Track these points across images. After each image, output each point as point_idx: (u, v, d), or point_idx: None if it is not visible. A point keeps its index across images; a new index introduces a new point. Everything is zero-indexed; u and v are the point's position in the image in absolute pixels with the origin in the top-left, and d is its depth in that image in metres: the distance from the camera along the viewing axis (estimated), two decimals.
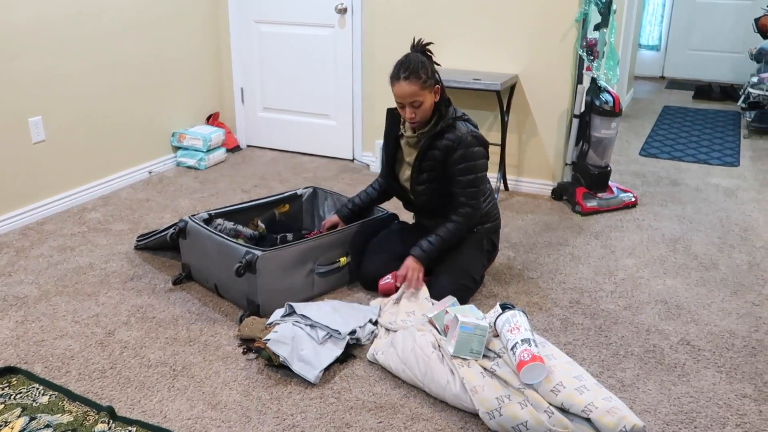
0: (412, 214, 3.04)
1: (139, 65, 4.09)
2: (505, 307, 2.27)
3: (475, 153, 2.64)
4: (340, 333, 2.38)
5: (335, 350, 2.35)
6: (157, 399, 2.17)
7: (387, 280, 2.77)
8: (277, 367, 2.31)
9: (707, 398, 2.20)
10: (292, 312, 2.47)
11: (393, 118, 2.83)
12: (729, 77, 7.20)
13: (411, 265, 2.68)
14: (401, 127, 2.80)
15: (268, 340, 2.30)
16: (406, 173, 2.82)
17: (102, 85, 3.86)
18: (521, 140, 4.00)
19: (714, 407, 2.16)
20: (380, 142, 4.36)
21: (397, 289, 2.73)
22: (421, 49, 2.65)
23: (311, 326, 2.40)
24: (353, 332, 2.42)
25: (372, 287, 2.84)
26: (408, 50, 2.68)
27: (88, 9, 3.69)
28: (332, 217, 3.04)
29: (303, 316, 2.44)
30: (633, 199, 3.83)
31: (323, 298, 2.79)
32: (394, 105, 2.82)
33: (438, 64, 2.70)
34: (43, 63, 3.49)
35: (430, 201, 2.77)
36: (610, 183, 3.85)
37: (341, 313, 2.51)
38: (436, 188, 2.73)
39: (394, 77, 2.59)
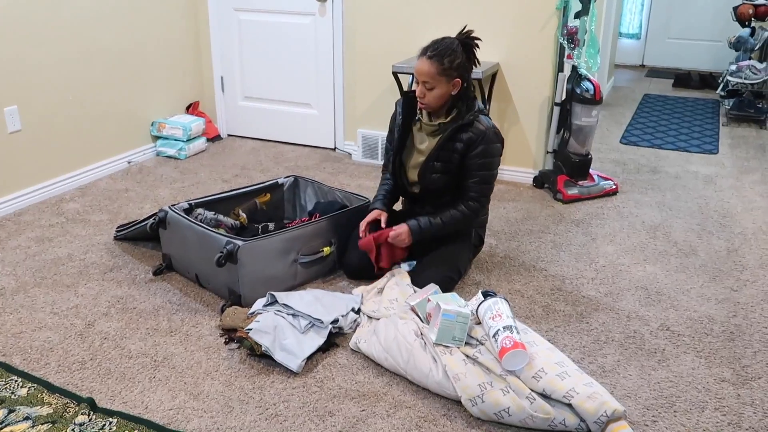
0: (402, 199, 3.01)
1: (117, 53, 4.04)
2: (486, 295, 2.28)
3: (495, 149, 2.63)
4: (322, 322, 2.37)
5: (317, 339, 2.34)
6: (138, 390, 2.16)
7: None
8: (260, 356, 2.30)
9: (687, 383, 2.22)
10: (274, 301, 2.46)
11: (410, 102, 2.77)
12: (708, 66, 7.26)
13: (404, 232, 2.66)
14: (419, 112, 2.75)
15: (250, 329, 2.29)
16: (417, 160, 2.75)
17: (79, 74, 3.81)
18: (503, 128, 4.00)
19: (693, 391, 2.18)
20: (362, 130, 4.34)
21: (376, 250, 2.70)
22: (464, 38, 2.59)
23: (293, 315, 2.39)
24: (336, 321, 2.41)
25: (355, 276, 2.84)
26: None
27: None
28: (374, 213, 2.79)
29: (285, 305, 2.43)
30: (614, 187, 3.86)
31: (306, 287, 2.78)
32: (391, 92, 2.78)
33: (477, 62, 2.64)
34: (18, 51, 3.43)
35: (436, 191, 2.73)
36: (590, 171, 3.87)
37: (323, 302, 2.50)
38: (447, 180, 2.69)
39: (422, 52, 2.57)
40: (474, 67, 2.65)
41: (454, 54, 2.54)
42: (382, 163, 2.87)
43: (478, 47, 2.62)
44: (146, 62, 4.26)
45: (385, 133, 2.97)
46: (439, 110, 2.67)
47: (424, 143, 2.73)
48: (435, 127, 2.68)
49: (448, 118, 2.65)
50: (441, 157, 2.66)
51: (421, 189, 2.77)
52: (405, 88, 3.90)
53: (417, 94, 2.60)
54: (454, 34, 2.61)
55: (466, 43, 2.59)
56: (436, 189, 2.72)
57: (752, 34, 5.77)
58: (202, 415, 2.04)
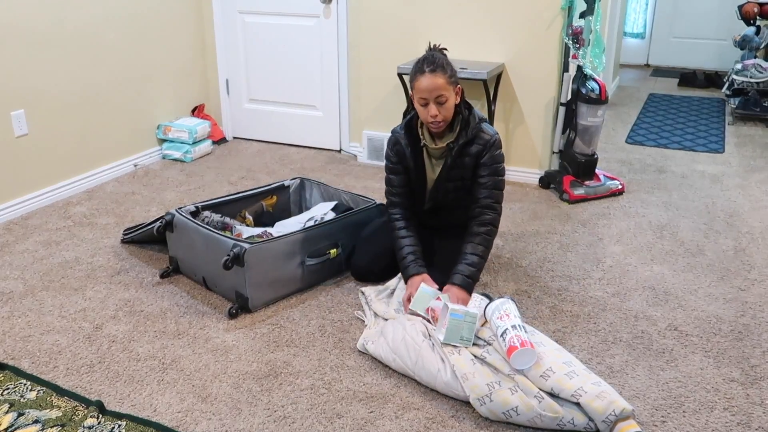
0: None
1: (123, 57, 4.05)
2: (487, 297, 2.28)
3: (500, 156, 2.58)
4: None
5: None
6: (147, 393, 2.16)
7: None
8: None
9: (695, 383, 2.22)
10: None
11: (410, 131, 2.62)
12: (713, 64, 7.24)
13: (461, 297, 2.43)
14: (422, 138, 2.60)
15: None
16: (430, 185, 2.69)
17: (85, 78, 3.82)
18: (508, 129, 4.00)
19: (702, 391, 2.17)
20: (368, 132, 4.35)
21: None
22: (439, 50, 2.53)
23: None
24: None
25: (363, 278, 2.83)
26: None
27: (70, 0, 3.64)
28: (416, 279, 2.53)
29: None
30: (620, 187, 3.85)
31: (314, 289, 2.78)
32: (393, 126, 2.69)
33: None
34: (24, 55, 3.44)
35: (448, 207, 2.71)
36: (597, 171, 3.86)
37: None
38: (462, 195, 2.64)
39: (418, 71, 2.45)
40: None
41: (448, 62, 2.48)
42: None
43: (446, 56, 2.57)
44: (152, 65, 4.28)
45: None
46: (446, 127, 2.58)
47: (433, 170, 2.65)
48: (443, 149, 2.58)
49: (453, 136, 2.56)
50: (452, 176, 2.60)
51: (433, 206, 2.73)
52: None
53: (431, 114, 2.46)
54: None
55: (443, 53, 2.54)
56: (448, 205, 2.70)
57: (757, 32, 5.75)
58: (210, 418, 2.05)
